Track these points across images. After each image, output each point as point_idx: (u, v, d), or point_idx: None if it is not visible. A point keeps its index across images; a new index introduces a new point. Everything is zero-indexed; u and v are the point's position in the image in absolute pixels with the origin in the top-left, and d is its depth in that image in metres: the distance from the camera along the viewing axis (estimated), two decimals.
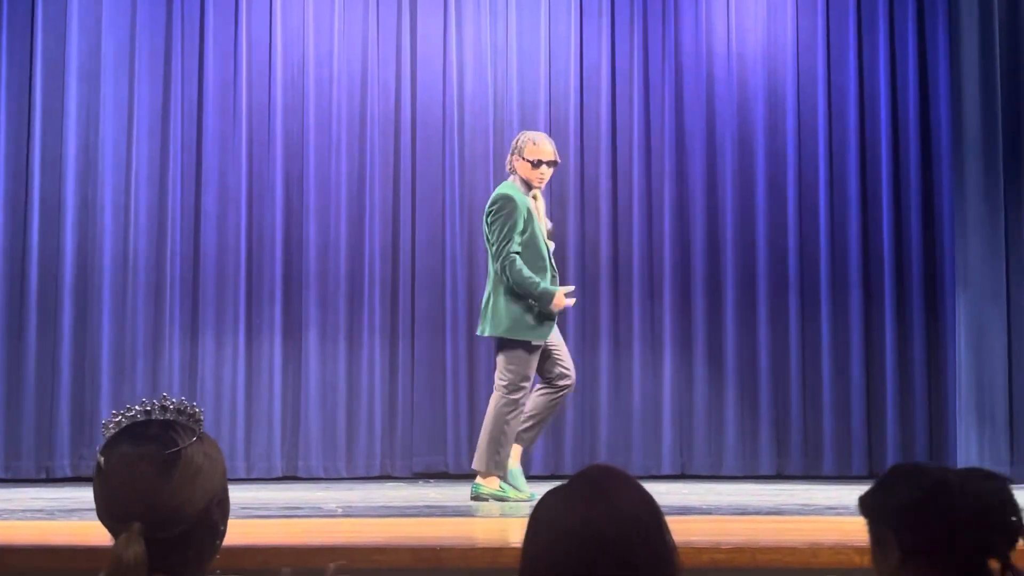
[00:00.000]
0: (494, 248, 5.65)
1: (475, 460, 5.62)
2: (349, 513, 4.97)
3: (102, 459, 1.79)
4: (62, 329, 7.18)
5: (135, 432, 1.80)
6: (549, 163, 5.81)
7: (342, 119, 7.57)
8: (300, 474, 7.32)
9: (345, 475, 7.34)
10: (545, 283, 5.64)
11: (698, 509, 5.18)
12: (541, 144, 5.81)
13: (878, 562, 1.78)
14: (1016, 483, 1.99)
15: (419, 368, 7.52)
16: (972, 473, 1.78)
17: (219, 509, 1.82)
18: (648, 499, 1.71)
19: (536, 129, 7.62)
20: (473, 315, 7.56)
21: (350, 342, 7.49)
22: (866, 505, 1.82)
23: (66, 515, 4.93)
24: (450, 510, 5.15)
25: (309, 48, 7.57)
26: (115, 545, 1.72)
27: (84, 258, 7.27)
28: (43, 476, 7.06)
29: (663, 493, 5.65)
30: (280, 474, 7.29)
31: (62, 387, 7.15)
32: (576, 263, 7.61)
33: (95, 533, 4.31)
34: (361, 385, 7.46)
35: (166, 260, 7.35)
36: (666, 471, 7.45)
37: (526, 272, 5.59)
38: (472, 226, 7.60)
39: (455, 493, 6.28)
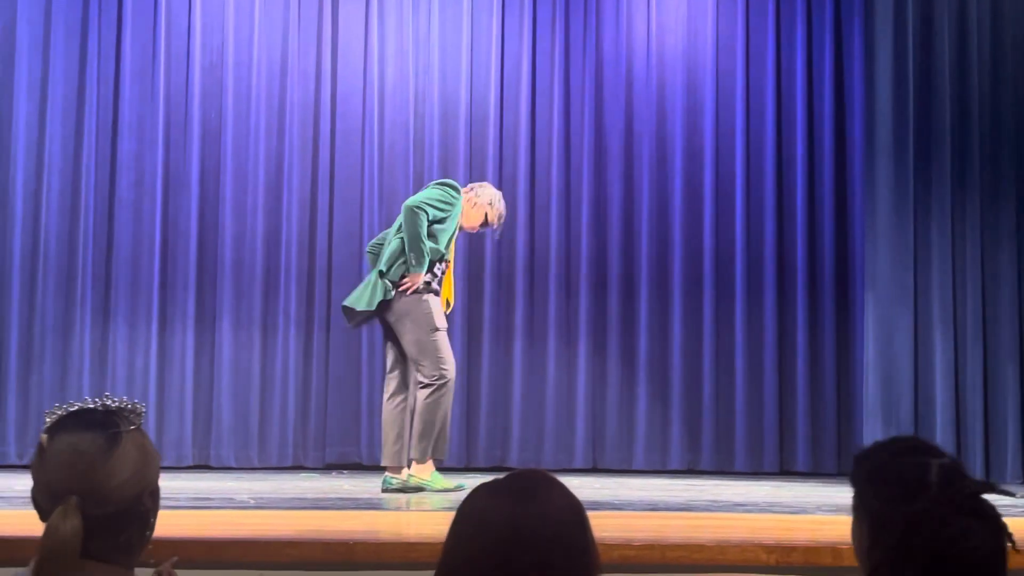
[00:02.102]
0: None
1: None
2: (261, 504, 4.91)
3: (45, 438, 1.84)
4: None
5: (80, 416, 1.86)
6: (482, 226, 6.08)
7: (260, 106, 7.48)
8: (212, 463, 7.23)
9: (257, 465, 7.27)
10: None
11: (609, 504, 5.19)
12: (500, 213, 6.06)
13: (854, 538, 1.79)
14: None
15: (333, 359, 7.47)
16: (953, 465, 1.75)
17: (151, 499, 1.88)
18: (576, 506, 1.72)
19: (456, 125, 7.61)
20: None
21: (264, 332, 7.41)
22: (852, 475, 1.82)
23: None
24: (363, 502, 5.11)
25: (229, 32, 7.48)
26: (52, 517, 1.76)
27: None
28: None
29: (575, 487, 5.59)
30: (191, 463, 7.20)
31: None
32: (493, 256, 7.60)
33: (16, 522, 4.19)
34: (275, 375, 7.39)
35: (78, 245, 7.22)
36: (578, 465, 7.48)
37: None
38: (390, 217, 7.55)
39: (368, 485, 6.23)
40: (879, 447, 1.80)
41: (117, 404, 1.89)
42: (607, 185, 7.72)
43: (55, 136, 7.23)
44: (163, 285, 7.35)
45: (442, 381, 5.63)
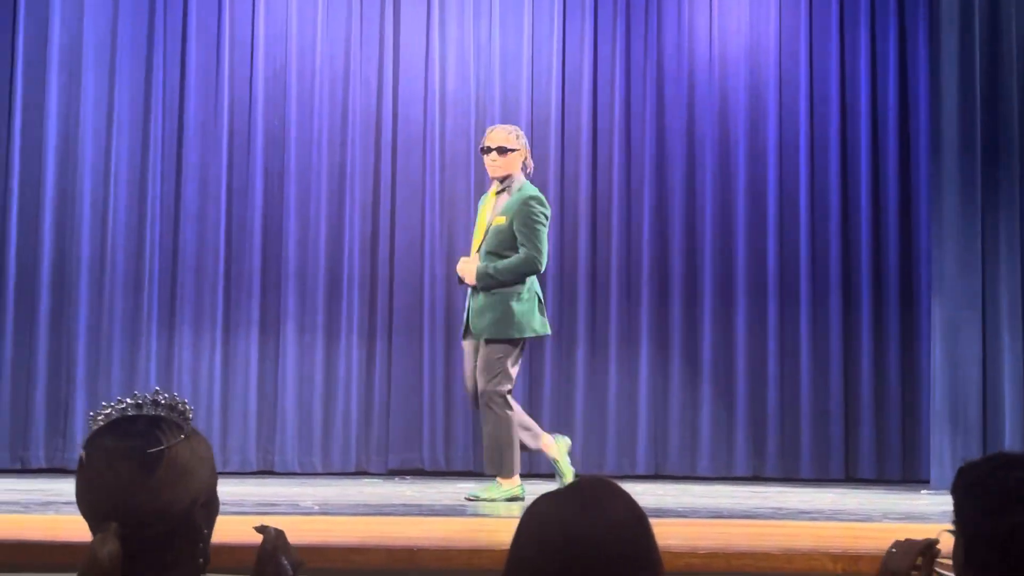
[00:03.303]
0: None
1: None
2: (326, 510, 4.95)
3: (83, 453, 1.74)
4: (39, 319, 7.14)
5: (119, 427, 1.74)
6: (488, 149, 5.82)
7: (323, 114, 7.54)
8: (276, 469, 7.29)
9: (320, 471, 7.32)
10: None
11: (673, 511, 5.17)
12: (489, 131, 5.88)
13: (955, 556, 1.77)
14: None
15: (396, 364, 7.51)
16: None
17: (203, 511, 1.77)
18: (640, 513, 1.72)
19: (521, 129, 7.61)
20: (451, 313, 7.55)
21: (328, 337, 7.47)
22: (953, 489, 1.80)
23: (41, 508, 4.90)
24: (426, 509, 5.13)
25: (292, 42, 7.55)
26: (91, 543, 1.68)
27: (62, 250, 7.23)
28: (17, 466, 7.03)
29: (638, 493, 5.59)
30: (255, 468, 7.26)
31: (38, 378, 7.11)
32: (555, 262, 7.60)
33: (72, 528, 4.26)
34: (338, 380, 7.44)
35: (145, 253, 7.31)
36: (640, 471, 7.46)
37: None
38: (452, 224, 7.59)
39: (431, 491, 6.26)
40: (983, 460, 1.78)
41: (166, 401, 1.77)
42: (669, 189, 7.69)
43: (121, 146, 7.33)
44: (227, 292, 7.42)
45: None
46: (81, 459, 1.74)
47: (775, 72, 7.71)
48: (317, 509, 4.99)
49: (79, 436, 7.10)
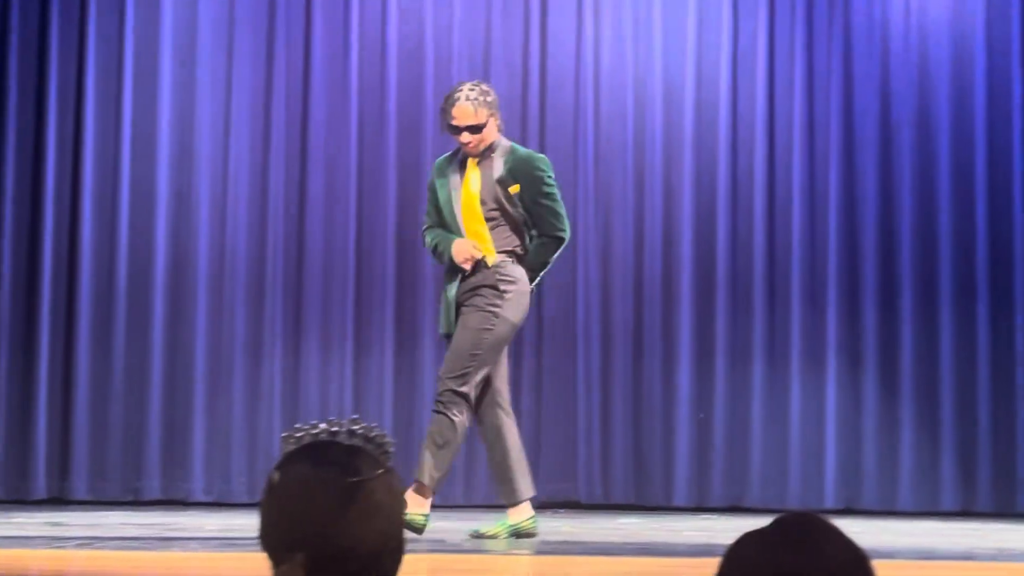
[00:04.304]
0: None
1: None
2: (476, 547, 5.01)
3: (277, 476, 1.77)
4: (153, 334, 7.26)
5: (317, 453, 1.78)
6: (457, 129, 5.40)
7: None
8: None
9: (463, 503, 7.36)
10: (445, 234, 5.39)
11: (873, 552, 5.11)
12: (455, 107, 5.37)
13: None
14: None
15: (546, 384, 7.52)
16: None
17: (391, 559, 1.78)
18: (860, 554, 1.72)
19: (682, 114, 7.60)
20: (608, 324, 7.56)
21: None
22: None
23: (162, 544, 5.04)
24: (591, 547, 5.17)
25: (427, 21, 7.58)
26: (275, 573, 1.72)
27: (177, 255, 7.35)
28: (130, 498, 7.16)
29: None
30: None
31: (152, 399, 7.23)
32: (726, 266, 7.57)
33: (196, 567, 4.40)
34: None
35: (267, 258, 7.43)
36: (829, 504, 7.36)
37: (427, 238, 5.49)
38: (608, 222, 7.60)
39: (590, 526, 6.29)
40: None
41: (362, 431, 1.80)
42: (859, 178, 7.58)
43: (241, 138, 7.47)
44: (358, 300, 7.51)
45: None
46: (273, 482, 1.78)
47: (982, 41, 7.56)
48: (468, 546, 5.07)
49: (198, 465, 7.28)
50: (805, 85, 7.60)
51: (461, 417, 5.20)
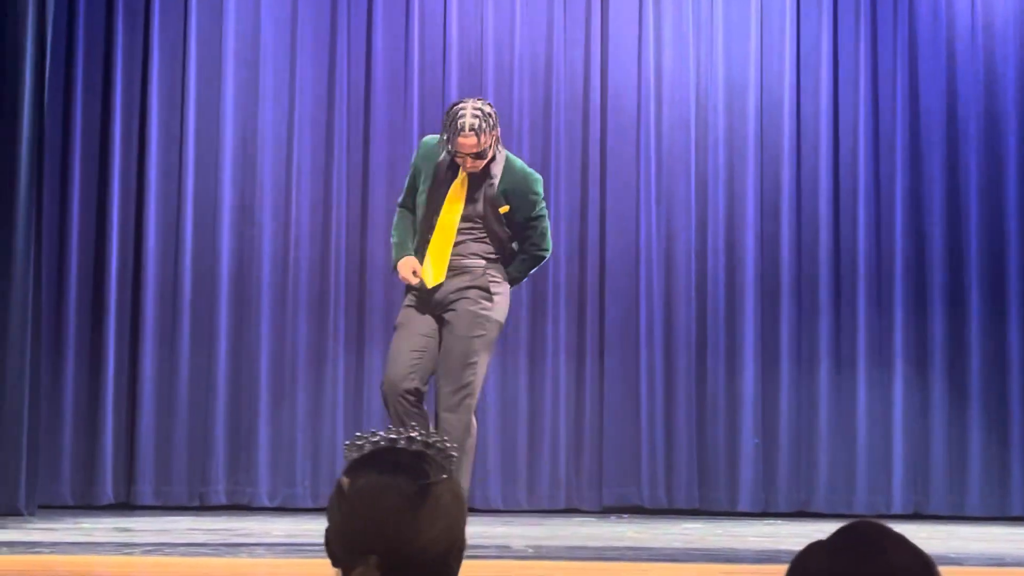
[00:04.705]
0: None
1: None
2: (540, 554, 5.03)
3: (346, 482, 1.82)
4: (218, 341, 7.33)
5: (384, 459, 1.83)
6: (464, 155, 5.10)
7: (524, 107, 7.61)
8: (477, 505, 7.41)
9: (526, 507, 7.37)
10: (402, 242, 5.22)
11: (943, 558, 5.09)
12: (460, 135, 5.01)
13: None
14: None
15: (609, 387, 7.53)
16: None
17: (456, 559, 1.84)
18: (926, 561, 1.72)
19: (746, 114, 7.59)
20: (670, 328, 7.56)
21: (531, 357, 7.53)
22: None
23: (229, 550, 5.10)
24: (656, 552, 5.17)
25: (488, 27, 7.61)
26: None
27: (241, 262, 7.41)
28: (196, 503, 7.24)
29: None
30: None
31: (217, 406, 7.30)
32: (791, 269, 7.55)
33: (260, 573, 4.45)
34: (544, 406, 7.50)
35: (330, 266, 7.49)
36: (897, 510, 7.33)
37: (394, 223, 5.33)
38: (671, 227, 7.60)
39: (655, 531, 6.30)
40: None
41: (422, 439, 1.85)
42: (926, 180, 7.53)
43: (304, 146, 7.52)
44: None
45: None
46: (342, 487, 1.82)
47: None
48: (531, 552, 5.10)
49: (263, 470, 7.35)
50: (870, 86, 7.57)
51: (470, 418, 5.17)
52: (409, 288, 5.19)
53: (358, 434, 1.88)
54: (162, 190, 7.42)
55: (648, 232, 7.53)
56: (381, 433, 1.86)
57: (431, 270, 5.15)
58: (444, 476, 1.82)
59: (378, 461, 1.83)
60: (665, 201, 7.57)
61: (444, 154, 5.12)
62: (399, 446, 1.85)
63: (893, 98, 7.55)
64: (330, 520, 1.85)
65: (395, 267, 5.24)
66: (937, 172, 7.51)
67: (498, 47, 7.63)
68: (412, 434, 1.86)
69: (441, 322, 5.16)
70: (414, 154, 5.38)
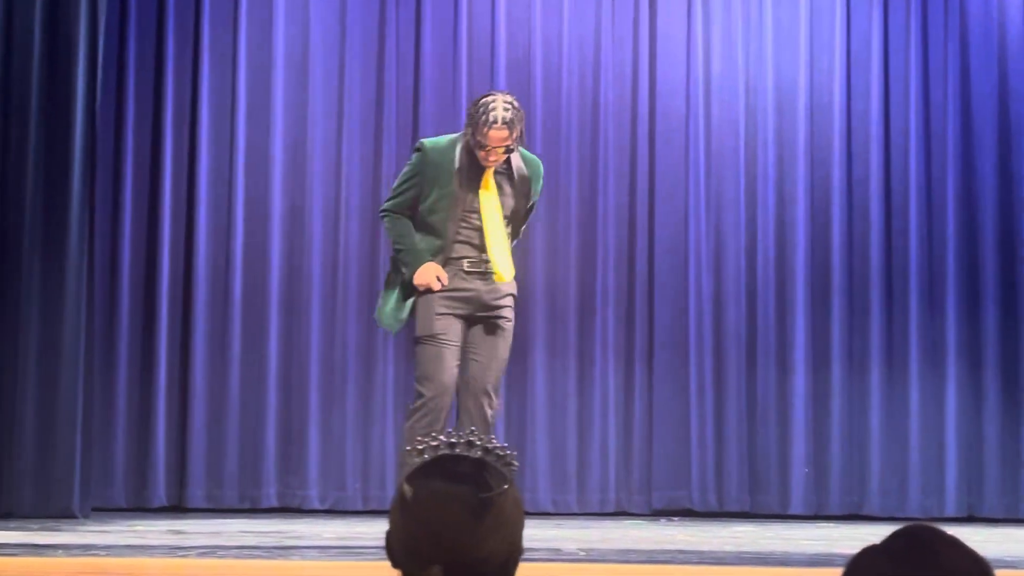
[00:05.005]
0: None
1: None
2: (593, 557, 5.05)
3: (409, 490, 1.84)
4: (269, 345, 7.36)
5: (446, 467, 1.84)
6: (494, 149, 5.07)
7: (572, 108, 7.61)
8: (527, 508, 7.41)
9: (576, 510, 7.39)
10: (417, 249, 5.11)
11: (998, 562, 5.06)
12: (492, 128, 5.03)
13: None
14: None
15: (658, 390, 7.51)
16: None
17: (514, 566, 1.87)
18: (985, 566, 1.73)
19: (795, 114, 7.58)
20: (720, 330, 7.55)
21: (580, 360, 7.54)
22: None
23: (281, 553, 5.14)
24: (707, 556, 5.18)
25: (536, 27, 7.60)
26: None
27: (291, 267, 7.43)
28: (247, 506, 7.27)
29: None
30: None
31: (268, 409, 7.33)
32: (841, 270, 7.53)
33: (313, 575, 4.48)
34: (593, 409, 7.49)
35: (379, 268, 7.53)
36: (950, 512, 7.28)
37: (394, 230, 5.16)
38: (720, 228, 7.60)
39: (705, 535, 6.30)
40: None
41: (481, 444, 1.86)
42: (979, 180, 7.47)
43: (352, 151, 7.51)
44: None
45: (419, 402, 5.13)
46: (404, 495, 1.84)
47: None
48: (583, 555, 5.11)
49: (314, 472, 7.38)
50: (920, 84, 7.54)
51: (493, 411, 5.21)
52: (423, 292, 5.11)
53: (419, 438, 1.90)
54: (212, 195, 7.48)
55: (697, 233, 7.53)
56: (441, 438, 1.87)
57: (505, 266, 5.17)
58: (505, 486, 1.84)
59: (440, 469, 1.85)
60: (714, 202, 7.57)
61: (460, 154, 5.06)
62: (460, 452, 1.86)
63: (944, 96, 7.51)
64: (392, 525, 1.87)
65: (412, 276, 5.11)
66: (989, 170, 7.47)
67: (546, 49, 7.64)
68: (472, 439, 1.87)
69: (478, 322, 5.15)
70: (412, 160, 5.23)
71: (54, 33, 6.69)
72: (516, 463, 1.89)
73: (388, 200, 5.25)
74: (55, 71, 6.68)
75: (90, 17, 6.74)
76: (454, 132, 7.54)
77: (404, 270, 5.15)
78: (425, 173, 5.12)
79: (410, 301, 5.15)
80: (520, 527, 1.87)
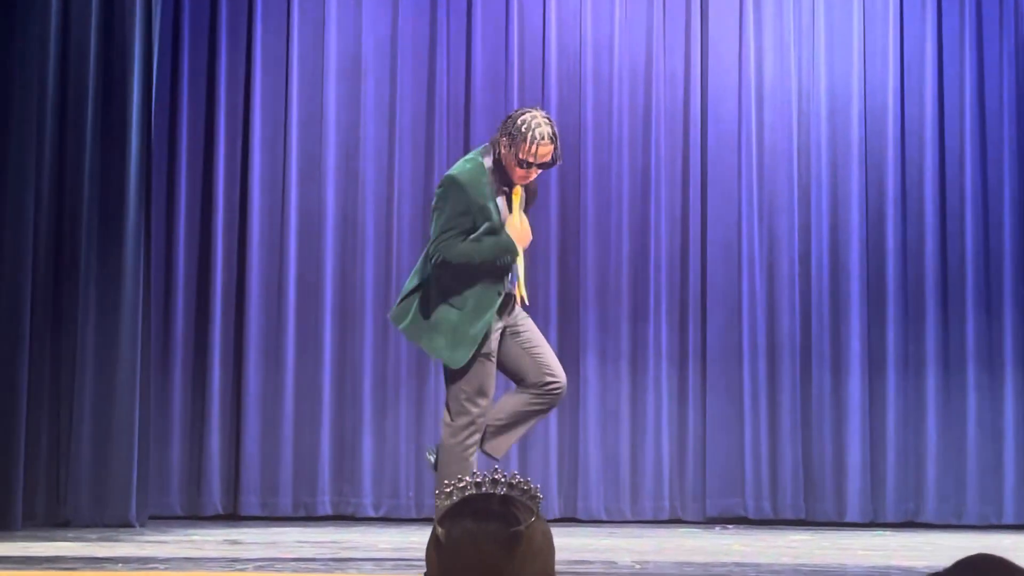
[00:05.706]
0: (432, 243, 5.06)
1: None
2: (647, 569, 5.06)
3: (442, 532, 1.89)
4: (322, 353, 7.43)
5: (475, 506, 1.90)
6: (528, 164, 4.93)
7: (623, 114, 7.64)
8: (580, 516, 7.45)
9: (630, 518, 7.39)
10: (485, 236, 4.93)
11: None
12: (540, 144, 4.88)
13: None
14: None
15: (711, 396, 7.53)
16: None
17: None
18: None
19: (848, 119, 7.57)
20: (774, 335, 7.54)
21: (633, 366, 7.55)
22: None
23: (338, 566, 5.19)
24: (764, 568, 5.17)
25: (587, 36, 7.63)
26: None
27: (344, 277, 7.50)
28: (302, 514, 7.34)
29: (1007, 549, 5.54)
30: (557, 515, 7.34)
31: (323, 416, 7.39)
32: (897, 275, 7.51)
33: None
34: (646, 415, 7.51)
35: None
36: (1009, 520, 7.25)
37: (456, 247, 4.96)
38: (773, 234, 7.60)
39: (761, 544, 6.29)
40: None
41: (506, 480, 1.92)
42: None
43: (404, 160, 7.59)
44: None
45: (466, 419, 4.98)
46: (439, 538, 1.89)
47: None
48: (638, 567, 5.09)
49: (367, 481, 7.44)
50: (975, 87, 7.51)
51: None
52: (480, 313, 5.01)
53: (446, 482, 1.96)
54: (266, 204, 7.54)
55: (750, 239, 7.53)
56: (467, 479, 1.94)
57: (524, 289, 5.10)
58: (533, 518, 1.89)
59: (470, 509, 1.90)
60: (767, 208, 7.57)
61: (490, 178, 4.93)
62: (487, 491, 1.93)
63: (1000, 100, 7.48)
64: (428, 566, 1.92)
65: (511, 242, 4.95)
66: None
67: (597, 56, 7.66)
68: (496, 476, 1.94)
69: (503, 332, 5.06)
70: (455, 196, 4.95)
71: (109, 41, 6.78)
72: (540, 495, 1.95)
73: (441, 239, 5.02)
74: (111, 80, 6.77)
75: (145, 25, 6.83)
76: None
77: (501, 255, 4.95)
78: (471, 204, 4.95)
79: (483, 322, 5.01)
80: (551, 556, 1.92)
